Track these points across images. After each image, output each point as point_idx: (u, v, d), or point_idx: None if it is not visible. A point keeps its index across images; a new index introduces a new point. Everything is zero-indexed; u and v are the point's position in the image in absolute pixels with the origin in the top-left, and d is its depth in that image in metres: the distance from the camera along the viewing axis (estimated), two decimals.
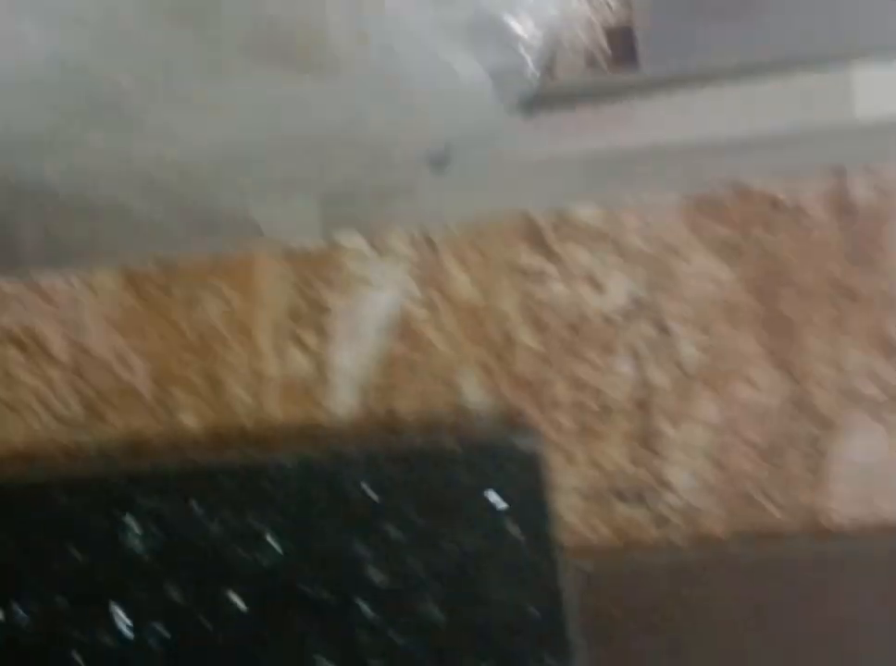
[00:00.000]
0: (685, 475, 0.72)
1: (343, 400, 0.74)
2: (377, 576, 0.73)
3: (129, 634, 0.74)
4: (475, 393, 0.73)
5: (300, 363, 0.75)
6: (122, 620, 0.74)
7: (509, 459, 0.72)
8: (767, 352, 0.71)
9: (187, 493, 0.74)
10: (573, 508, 0.73)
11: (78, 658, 0.75)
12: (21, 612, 0.75)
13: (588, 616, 0.72)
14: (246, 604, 0.74)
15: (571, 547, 0.73)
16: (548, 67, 0.72)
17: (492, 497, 0.72)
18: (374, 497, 0.73)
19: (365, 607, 0.73)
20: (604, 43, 0.74)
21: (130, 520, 0.74)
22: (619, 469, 0.72)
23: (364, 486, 0.73)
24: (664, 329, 0.71)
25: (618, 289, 0.72)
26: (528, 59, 0.66)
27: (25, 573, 0.75)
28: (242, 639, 0.74)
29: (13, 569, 0.74)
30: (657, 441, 0.72)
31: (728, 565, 0.71)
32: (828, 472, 0.72)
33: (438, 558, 0.72)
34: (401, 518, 0.72)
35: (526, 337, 0.73)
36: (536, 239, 0.72)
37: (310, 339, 0.75)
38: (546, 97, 0.71)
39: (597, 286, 0.72)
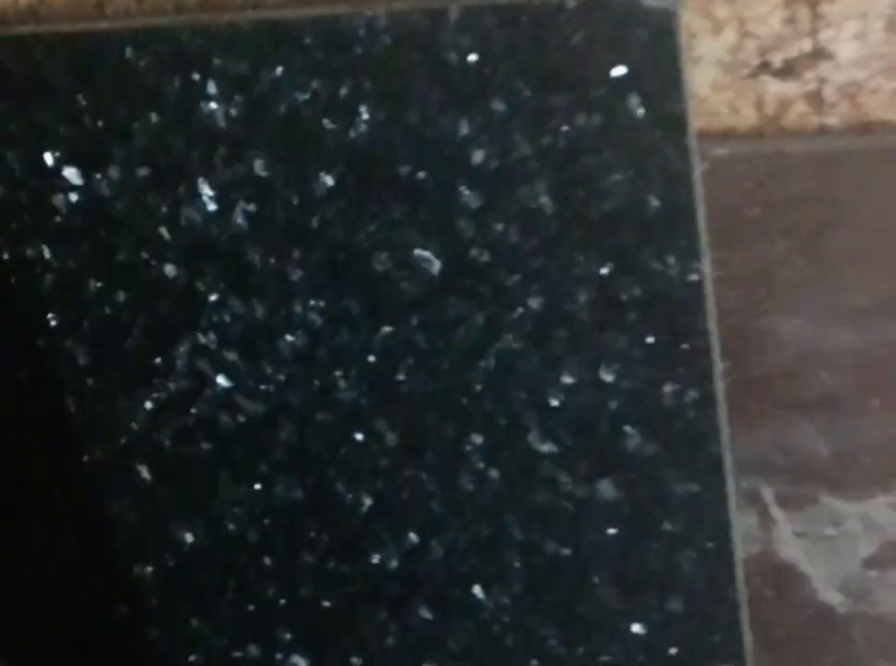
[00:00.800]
0: (851, 45, 0.59)
1: None
2: (479, 156, 0.64)
3: (213, 208, 0.68)
4: None
5: None
6: (206, 194, 0.68)
7: (637, 19, 0.59)
8: None
9: (269, 55, 0.65)
10: (710, 82, 0.61)
11: (163, 232, 0.70)
12: (104, 184, 0.69)
13: (718, 211, 0.62)
14: (336, 182, 0.66)
15: (705, 128, 0.62)
16: None
17: (614, 65, 0.60)
18: (476, 63, 0.62)
19: (466, 191, 0.65)
20: None
21: (207, 83, 0.66)
22: (770, 35, 0.60)
23: (465, 49, 0.62)
24: None
25: None
26: None
27: (104, 141, 0.68)
28: (331, 221, 0.67)
29: (91, 136, 0.68)
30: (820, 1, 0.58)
31: (890, 155, 0.58)
32: None
33: (548, 136, 0.63)
34: (506, 89, 0.62)
35: None
36: None
37: None
38: None
39: None
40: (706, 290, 0.64)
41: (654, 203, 0.62)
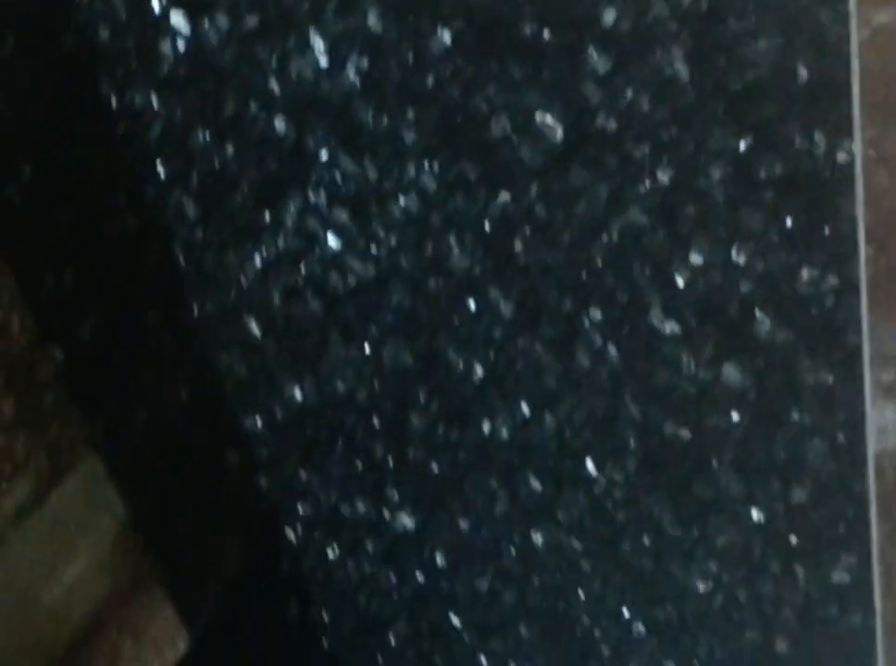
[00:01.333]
0: None
1: None
2: (609, 16, 0.58)
3: (324, 62, 0.64)
4: None
5: None
6: (317, 46, 0.64)
7: None
8: None
9: None
10: None
11: (272, 85, 0.66)
12: (212, 31, 0.65)
13: (876, 84, 0.55)
14: (453, 39, 0.61)
15: None
16: None
17: None
18: None
19: (594, 54, 0.59)
20: None
21: None
22: None
23: None
24: None
25: None
26: None
27: None
28: (447, 80, 0.62)
29: None
30: None
31: None
32: None
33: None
34: None
35: None
36: None
37: None
38: None
39: None
40: (856, 171, 0.58)
41: (804, 73, 0.56)
